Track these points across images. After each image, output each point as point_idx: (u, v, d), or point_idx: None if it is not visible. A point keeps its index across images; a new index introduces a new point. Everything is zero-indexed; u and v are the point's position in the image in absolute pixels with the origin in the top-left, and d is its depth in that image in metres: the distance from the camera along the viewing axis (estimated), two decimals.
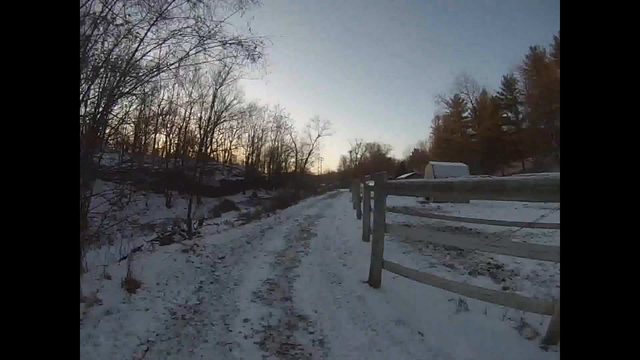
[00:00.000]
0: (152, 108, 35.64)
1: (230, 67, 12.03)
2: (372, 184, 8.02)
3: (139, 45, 6.38)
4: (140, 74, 6.56)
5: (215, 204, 35.34)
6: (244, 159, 51.37)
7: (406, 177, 41.30)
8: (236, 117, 45.58)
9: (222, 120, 41.54)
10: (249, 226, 9.15)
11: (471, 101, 55.29)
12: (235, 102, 40.43)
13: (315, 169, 69.02)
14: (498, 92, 52.19)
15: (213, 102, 30.06)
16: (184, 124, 39.56)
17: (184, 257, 5.01)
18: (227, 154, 52.06)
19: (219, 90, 36.34)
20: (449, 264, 5.32)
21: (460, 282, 3.46)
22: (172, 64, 6.83)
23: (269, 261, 5.28)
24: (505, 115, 51.52)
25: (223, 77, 28.28)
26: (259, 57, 7.82)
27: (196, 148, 43.61)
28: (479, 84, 54.32)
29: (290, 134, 57.73)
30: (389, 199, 4.73)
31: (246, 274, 4.60)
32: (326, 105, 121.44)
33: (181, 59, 6.88)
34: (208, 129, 40.96)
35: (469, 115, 56.09)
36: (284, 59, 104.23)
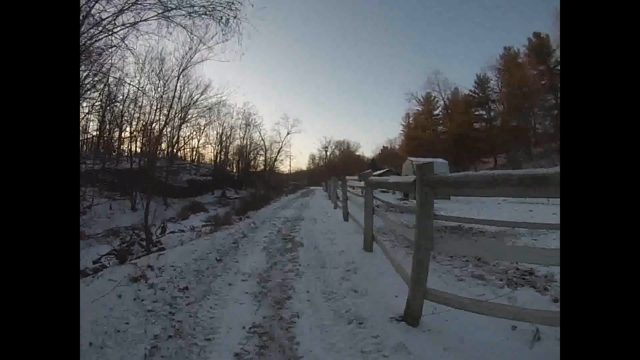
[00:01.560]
0: (117, 104, 33.70)
1: (198, 45, 10.45)
2: (363, 181, 6.68)
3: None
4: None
5: (182, 206, 33.34)
6: (212, 158, 49.14)
7: (380, 174, 40.62)
8: (204, 114, 43.58)
9: (189, 117, 39.43)
10: (218, 235, 7.51)
11: (443, 99, 55.22)
12: (202, 98, 38.29)
13: (284, 167, 67.78)
14: (470, 90, 52.36)
15: (177, 84, 27.67)
16: (149, 119, 37.05)
17: (132, 291, 3.49)
18: (194, 153, 49.74)
19: (184, 81, 34.24)
20: (477, 274, 4.24)
21: (533, 309, 2.28)
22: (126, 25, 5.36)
23: (251, 290, 3.80)
24: (477, 112, 51.73)
25: (190, 56, 25.83)
26: (233, 19, 6.37)
27: (163, 146, 41.33)
28: (451, 83, 54.40)
29: (259, 132, 55.82)
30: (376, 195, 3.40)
31: (221, 315, 3.12)
32: (296, 104, 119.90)
33: (136, 23, 5.40)
34: (175, 124, 38.85)
35: (440, 113, 56.06)
36: (253, 56, 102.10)
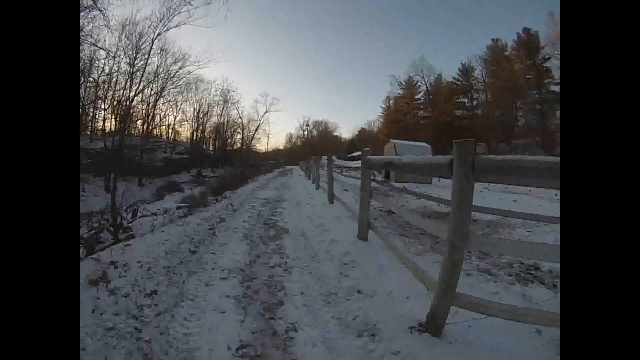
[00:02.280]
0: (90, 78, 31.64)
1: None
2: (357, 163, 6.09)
3: None
4: None
5: (158, 185, 32.12)
6: (189, 136, 47.53)
7: (358, 156, 40.06)
8: (181, 90, 41.92)
9: (165, 92, 37.72)
10: (193, 220, 6.73)
11: (426, 84, 54.49)
12: (180, 72, 36.60)
13: (262, 146, 66.65)
14: (454, 78, 51.91)
15: (151, 49, 25.81)
16: (124, 95, 35.25)
17: (91, 300, 2.78)
18: (170, 131, 48.00)
19: (161, 54, 32.46)
20: (483, 268, 3.88)
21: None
22: None
23: (233, 292, 3.16)
24: (459, 100, 51.43)
25: (168, 18, 24.14)
26: None
27: (138, 124, 39.44)
28: (435, 69, 53.72)
29: (237, 109, 54.53)
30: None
31: (198, 330, 2.48)
32: (275, 83, 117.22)
33: None
34: (150, 100, 37.01)
35: (422, 98, 55.34)
36: (234, 33, 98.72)
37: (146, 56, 25.28)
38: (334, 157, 15.27)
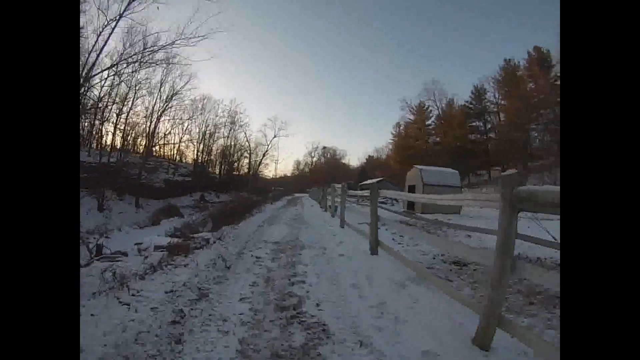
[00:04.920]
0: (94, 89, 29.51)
1: None
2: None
3: None
4: None
5: (157, 208, 29.30)
6: (194, 157, 44.99)
7: (374, 183, 38.17)
8: (186, 107, 39.94)
9: (169, 107, 35.65)
10: (155, 289, 3.84)
11: (438, 108, 52.68)
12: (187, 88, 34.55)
13: (269, 172, 64.16)
14: (466, 102, 50.05)
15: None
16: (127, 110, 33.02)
17: None
18: (175, 150, 45.65)
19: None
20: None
21: None
22: None
23: None
24: (473, 124, 49.36)
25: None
26: None
27: (140, 141, 37.10)
28: (447, 92, 52.13)
29: (245, 132, 52.03)
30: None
31: None
32: (282, 110, 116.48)
33: None
34: (153, 118, 34.79)
35: (433, 123, 53.34)
36: (244, 56, 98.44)
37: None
38: (339, 185, 12.69)
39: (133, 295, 3.62)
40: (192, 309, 3.34)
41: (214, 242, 7.02)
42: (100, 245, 9.27)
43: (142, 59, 20.93)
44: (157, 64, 22.45)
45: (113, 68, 21.67)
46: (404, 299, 3.54)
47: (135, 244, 9.67)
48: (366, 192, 10.27)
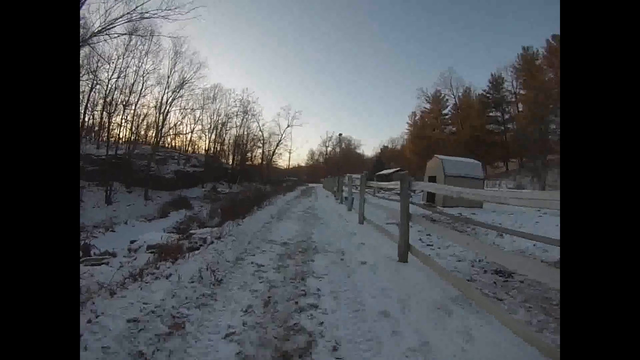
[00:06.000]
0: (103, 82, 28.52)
1: None
2: None
3: None
4: None
5: (166, 200, 28.42)
6: (206, 148, 43.99)
7: (390, 174, 36.98)
8: (197, 97, 38.83)
9: (179, 96, 34.54)
10: (118, 319, 2.56)
11: (454, 97, 50.64)
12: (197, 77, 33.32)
13: (283, 162, 63.04)
14: (484, 91, 47.94)
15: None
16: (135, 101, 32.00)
17: None
18: (186, 141, 44.81)
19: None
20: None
21: None
22: None
23: None
24: (491, 114, 47.31)
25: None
26: None
27: (150, 133, 36.17)
28: (464, 80, 50.19)
29: (258, 122, 50.96)
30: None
31: None
32: (295, 99, 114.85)
33: None
34: (162, 109, 33.71)
35: (450, 112, 51.34)
36: (258, 46, 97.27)
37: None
38: (357, 176, 11.40)
39: (89, 322, 2.53)
40: (156, 350, 2.15)
41: (212, 242, 5.79)
42: (88, 245, 8.15)
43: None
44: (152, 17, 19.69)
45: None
46: (452, 336, 2.46)
47: (130, 242, 8.61)
48: (391, 184, 8.96)
